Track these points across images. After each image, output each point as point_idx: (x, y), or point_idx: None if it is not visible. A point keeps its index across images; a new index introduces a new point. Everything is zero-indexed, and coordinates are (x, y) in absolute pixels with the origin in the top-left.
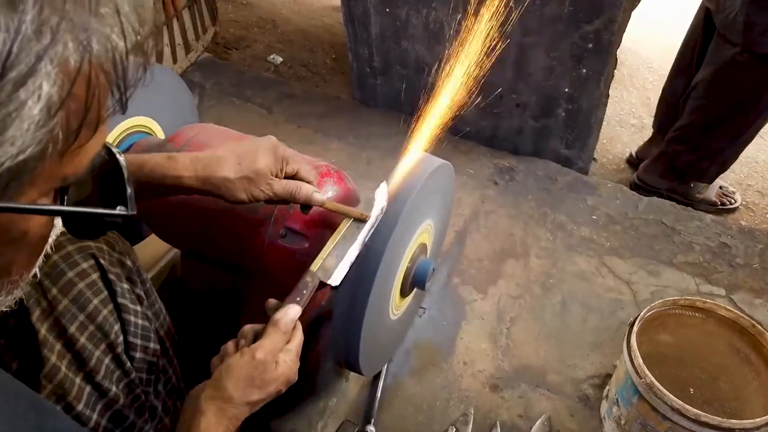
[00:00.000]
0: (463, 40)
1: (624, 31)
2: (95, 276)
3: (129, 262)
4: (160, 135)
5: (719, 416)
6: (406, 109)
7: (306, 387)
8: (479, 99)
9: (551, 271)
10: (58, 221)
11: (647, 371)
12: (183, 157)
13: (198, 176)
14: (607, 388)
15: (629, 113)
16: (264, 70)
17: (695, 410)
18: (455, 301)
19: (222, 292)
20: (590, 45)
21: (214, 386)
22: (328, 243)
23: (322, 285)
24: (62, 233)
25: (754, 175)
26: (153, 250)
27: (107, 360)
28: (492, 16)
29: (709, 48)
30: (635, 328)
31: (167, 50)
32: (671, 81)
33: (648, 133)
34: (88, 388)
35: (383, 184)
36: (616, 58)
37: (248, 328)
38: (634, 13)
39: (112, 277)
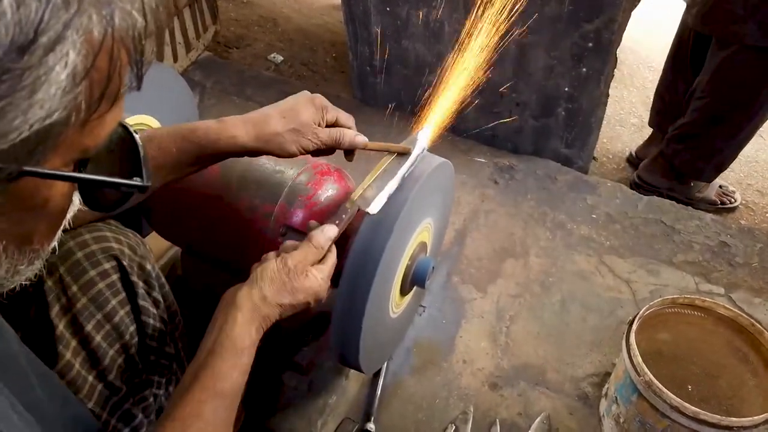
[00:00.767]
0: (463, 39)
1: (624, 30)
2: (115, 277)
3: (149, 267)
4: None
5: (717, 414)
6: (407, 108)
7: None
8: (479, 98)
9: (551, 270)
10: (76, 198)
11: (646, 369)
12: (232, 119)
13: (249, 134)
14: (606, 386)
15: (629, 112)
16: (264, 69)
17: (694, 408)
18: (455, 299)
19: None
20: (590, 44)
21: (250, 285)
22: (369, 175)
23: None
24: (88, 232)
25: (754, 175)
26: (153, 248)
27: (120, 360)
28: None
29: (708, 49)
30: (634, 327)
31: (168, 49)
32: (669, 79)
33: (648, 132)
34: (99, 387)
35: (426, 128)
36: (616, 58)
37: (290, 242)
38: (634, 13)
39: (134, 278)
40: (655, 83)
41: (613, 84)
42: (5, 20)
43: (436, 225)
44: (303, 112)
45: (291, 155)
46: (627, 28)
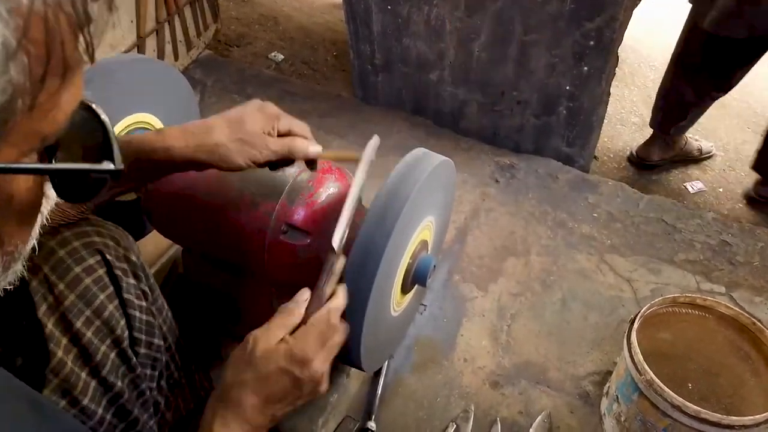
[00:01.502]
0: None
1: (625, 29)
2: (102, 271)
3: (134, 258)
4: None
5: (718, 413)
6: (408, 106)
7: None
8: (480, 96)
9: (552, 269)
10: (52, 192)
11: (647, 368)
12: (172, 129)
13: (189, 145)
14: (607, 385)
15: (630, 111)
16: (265, 68)
17: (695, 407)
18: (456, 298)
19: (223, 290)
20: (592, 43)
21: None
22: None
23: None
24: (68, 230)
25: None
26: (155, 247)
27: (113, 355)
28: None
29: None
30: (635, 326)
31: (168, 47)
32: (674, 82)
33: (649, 131)
34: (93, 383)
35: (375, 137)
36: (618, 56)
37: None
38: (636, 12)
39: (117, 272)
40: (657, 82)
41: (614, 83)
42: None
43: (437, 223)
44: (250, 121)
45: (238, 168)
46: (628, 26)
